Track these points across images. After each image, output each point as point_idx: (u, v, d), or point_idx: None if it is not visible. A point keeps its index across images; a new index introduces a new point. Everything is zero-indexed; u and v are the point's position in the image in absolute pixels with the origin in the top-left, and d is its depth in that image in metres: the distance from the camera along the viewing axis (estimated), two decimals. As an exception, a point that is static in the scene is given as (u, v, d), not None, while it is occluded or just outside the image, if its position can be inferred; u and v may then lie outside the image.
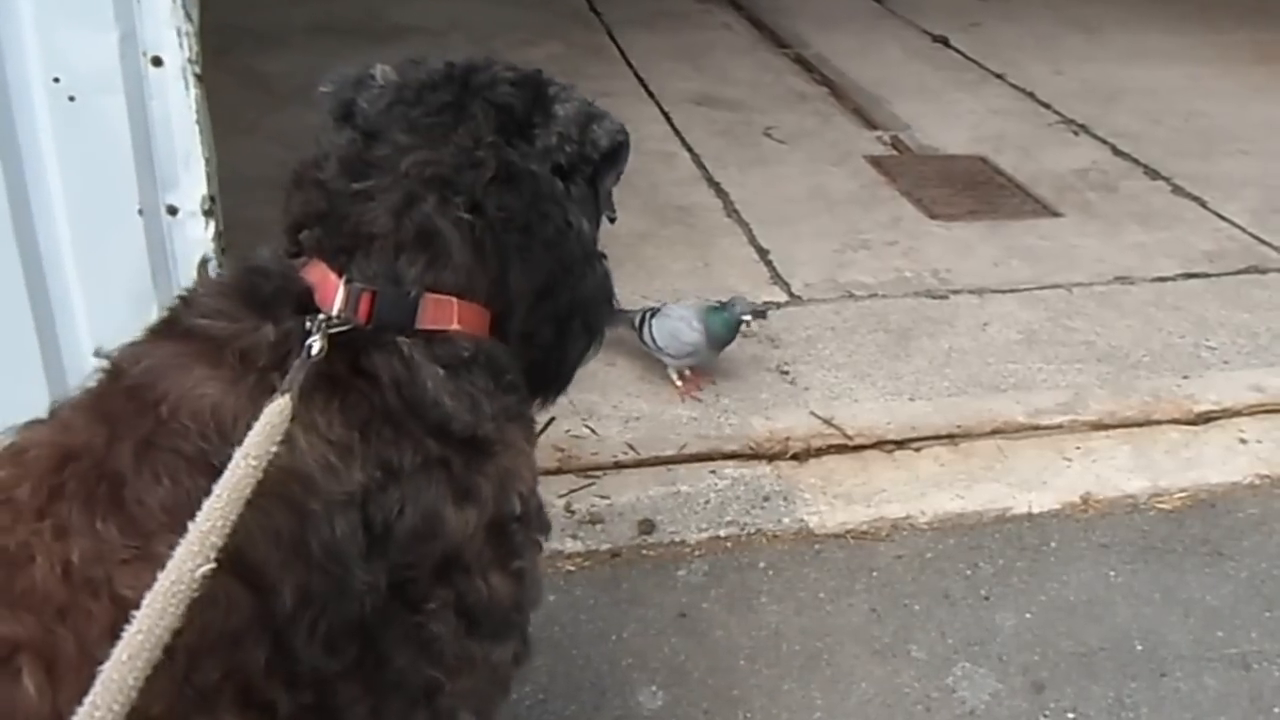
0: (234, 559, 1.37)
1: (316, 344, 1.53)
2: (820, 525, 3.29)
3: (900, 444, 3.63)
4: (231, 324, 1.58)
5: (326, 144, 1.79)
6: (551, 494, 3.26)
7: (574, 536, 3.17)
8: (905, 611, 3.03)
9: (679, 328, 3.73)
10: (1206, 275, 4.84)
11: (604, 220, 1.93)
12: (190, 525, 1.29)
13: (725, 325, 3.72)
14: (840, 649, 2.90)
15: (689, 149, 5.91)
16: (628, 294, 4.26)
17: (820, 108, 6.73)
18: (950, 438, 3.69)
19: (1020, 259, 4.91)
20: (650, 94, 6.71)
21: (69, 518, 1.38)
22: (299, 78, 6.43)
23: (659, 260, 4.62)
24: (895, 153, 6.10)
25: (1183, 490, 3.54)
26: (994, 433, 3.73)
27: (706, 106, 6.59)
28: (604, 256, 1.93)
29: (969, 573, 3.17)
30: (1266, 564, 3.26)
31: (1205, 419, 3.87)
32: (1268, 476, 3.63)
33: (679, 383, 3.81)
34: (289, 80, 6.43)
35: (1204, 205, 5.52)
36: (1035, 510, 3.42)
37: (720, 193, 5.40)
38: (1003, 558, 3.23)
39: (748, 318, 3.71)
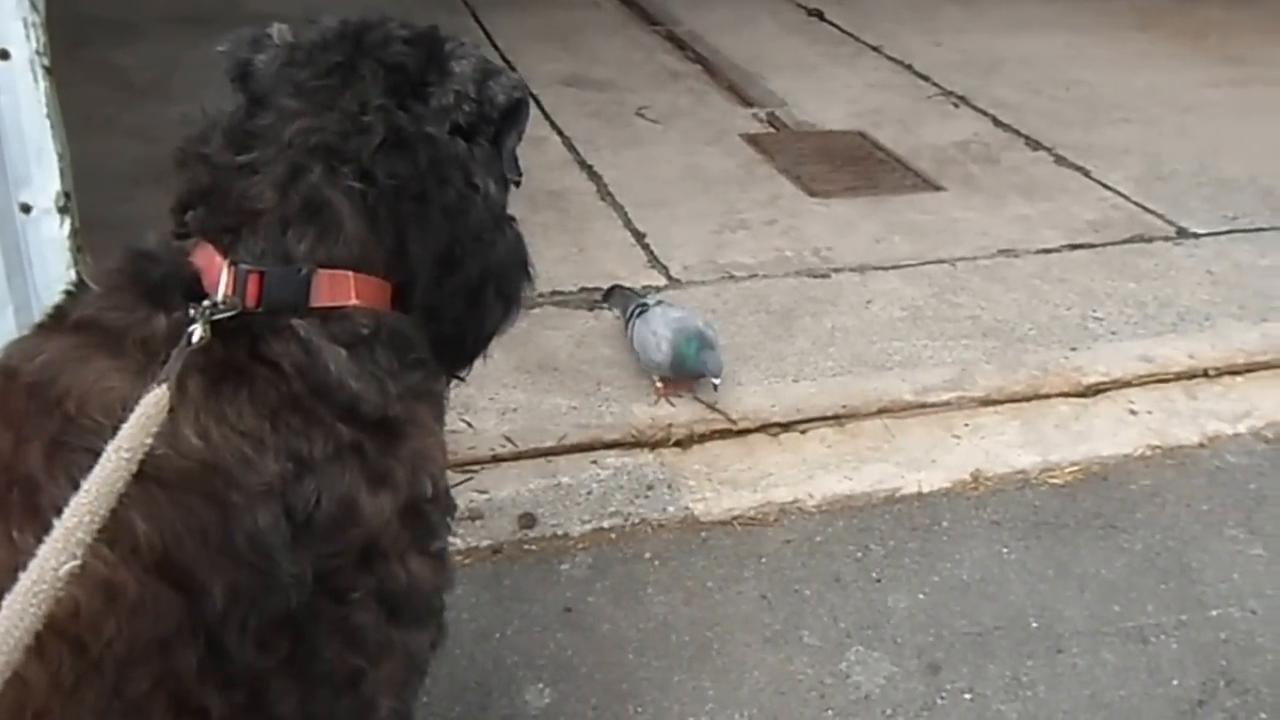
0: (161, 561, 1.40)
1: (197, 332, 1.50)
2: (706, 513, 3.34)
3: (786, 426, 3.70)
4: (125, 314, 1.56)
5: (214, 113, 1.77)
6: (426, 491, 3.28)
7: (453, 533, 3.17)
8: (796, 597, 3.08)
9: (649, 342, 3.72)
10: (1091, 246, 4.99)
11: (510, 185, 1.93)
12: (56, 522, 1.27)
13: (691, 368, 3.69)
14: (731, 638, 2.94)
15: (559, 132, 5.94)
16: (499, 283, 4.30)
17: (694, 86, 6.80)
18: (836, 419, 3.76)
19: (902, 235, 5.01)
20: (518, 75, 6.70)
21: None
22: (156, 70, 6.41)
23: (532, 247, 4.57)
24: (772, 130, 6.20)
25: (1074, 464, 3.64)
26: (881, 412, 3.81)
27: (576, 88, 6.63)
28: (513, 220, 1.92)
29: (860, 555, 3.24)
30: (1160, 536, 3.37)
31: (1094, 391, 3.99)
32: (1159, 447, 3.75)
33: (658, 384, 3.82)
34: (146, 73, 6.39)
35: (1087, 175, 5.69)
36: (925, 489, 3.50)
37: (593, 176, 5.44)
38: (893, 539, 3.30)
39: (716, 381, 3.68)
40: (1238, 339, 4.34)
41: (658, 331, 3.71)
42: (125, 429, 1.36)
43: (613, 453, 3.54)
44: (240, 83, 1.79)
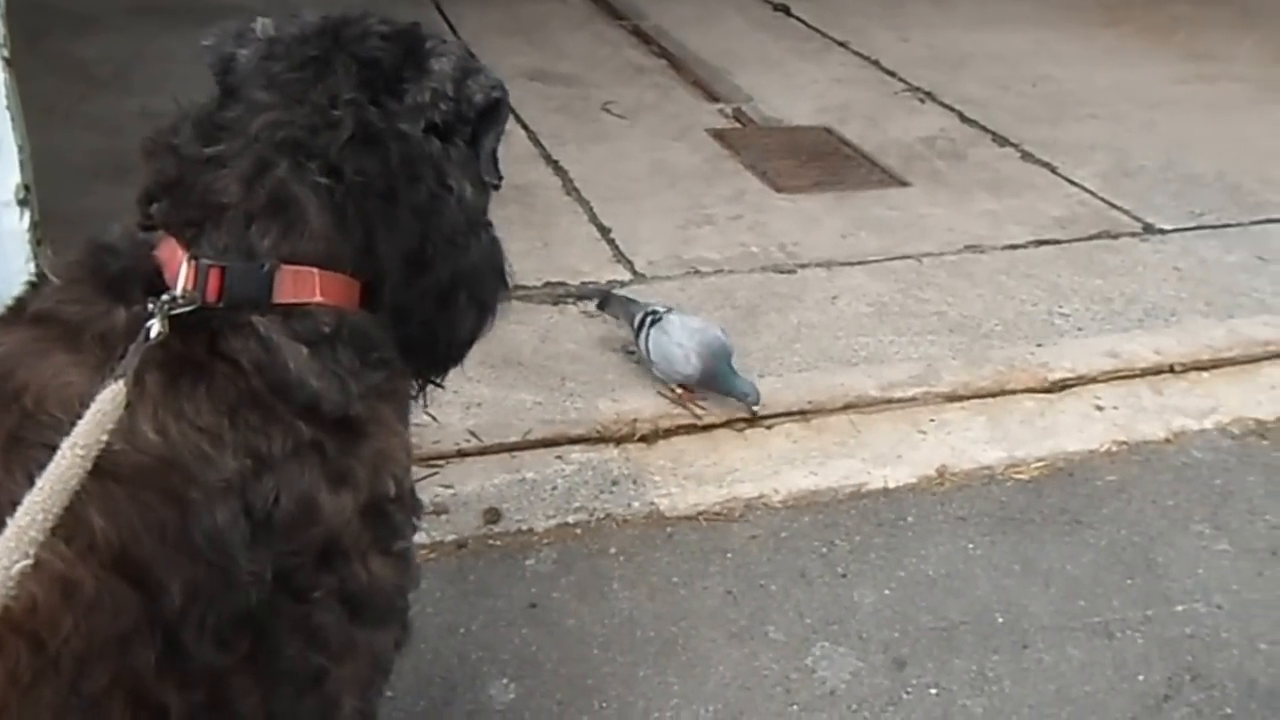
0: (119, 558, 1.39)
1: (155, 327, 1.49)
2: (671, 508, 3.36)
3: (751, 422, 3.71)
4: (85, 307, 1.56)
5: (185, 105, 1.77)
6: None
7: (419, 531, 3.18)
8: (761, 592, 3.10)
9: (674, 354, 3.70)
10: (1058, 242, 5.03)
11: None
12: (10, 520, 1.25)
13: (726, 389, 3.70)
14: (696, 633, 2.96)
15: (525, 126, 5.93)
16: (463, 278, 4.31)
17: (660, 81, 6.82)
18: (802, 414, 3.79)
19: (868, 230, 5.04)
20: (481, 70, 6.72)
21: None
22: (117, 62, 6.41)
23: (497, 242, 4.64)
24: (738, 125, 6.22)
25: (1040, 460, 3.68)
26: (846, 407, 3.83)
27: (542, 82, 6.64)
28: (490, 225, 1.91)
29: (825, 551, 3.26)
30: (1126, 531, 3.40)
31: (1060, 387, 4.03)
32: (1125, 443, 3.78)
33: (678, 390, 3.80)
34: (107, 65, 6.40)
35: (1054, 171, 5.73)
36: (891, 485, 3.52)
37: (559, 170, 5.45)
38: (859, 534, 3.32)
39: (757, 407, 3.69)
40: (1204, 335, 4.38)
41: (684, 344, 3.68)
42: (81, 425, 1.35)
43: (578, 448, 3.56)
44: (221, 77, 1.78)
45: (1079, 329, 4.37)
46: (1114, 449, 3.76)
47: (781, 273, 4.65)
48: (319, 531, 1.60)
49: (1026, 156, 5.90)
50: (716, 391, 3.75)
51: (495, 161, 1.91)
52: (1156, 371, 4.16)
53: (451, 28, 7.41)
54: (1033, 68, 7.27)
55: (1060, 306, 4.51)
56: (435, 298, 1.82)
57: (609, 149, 5.74)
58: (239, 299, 1.58)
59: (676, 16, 7.97)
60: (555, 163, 5.54)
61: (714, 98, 6.58)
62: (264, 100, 1.69)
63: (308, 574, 1.62)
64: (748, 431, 3.69)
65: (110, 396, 1.39)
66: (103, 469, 1.35)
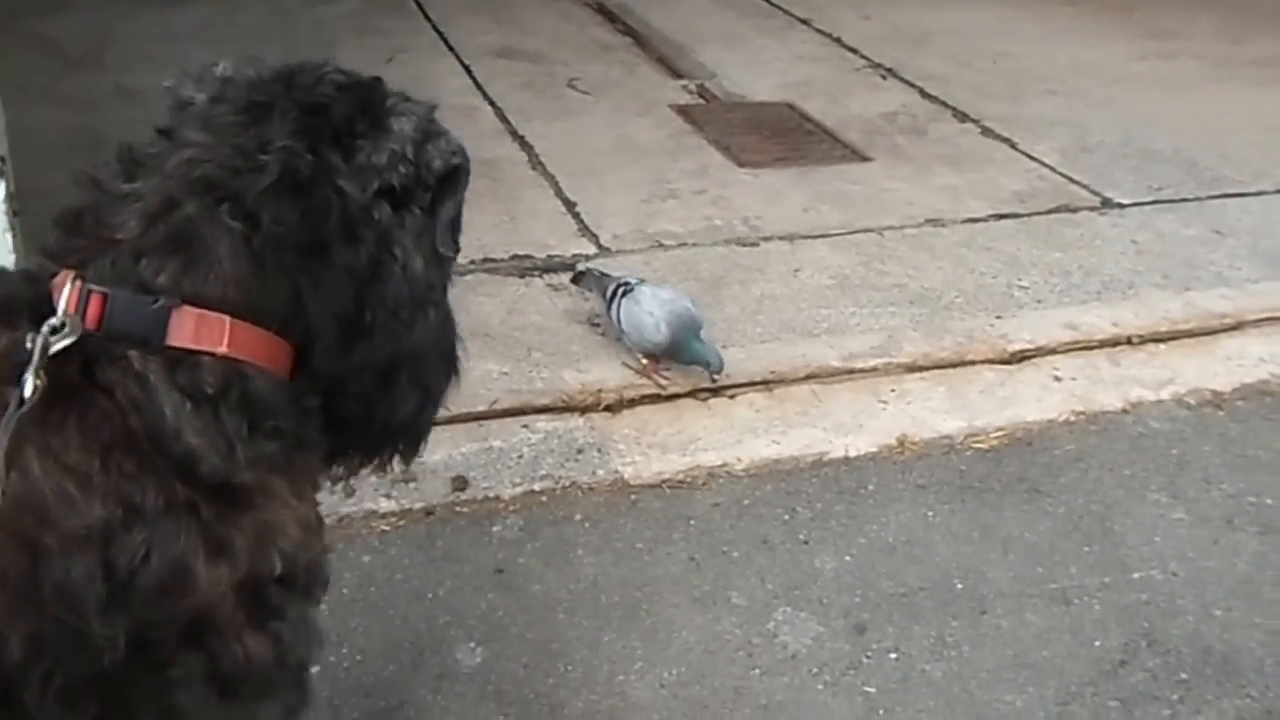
0: None
1: (29, 386, 1.37)
2: (636, 476, 3.37)
3: (715, 391, 3.73)
4: None
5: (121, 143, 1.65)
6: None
7: (387, 495, 3.20)
8: (724, 559, 3.12)
9: (644, 323, 3.71)
10: (1017, 215, 5.07)
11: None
12: None
13: (692, 358, 3.73)
14: (659, 598, 2.98)
15: (491, 102, 5.96)
16: (429, 249, 4.31)
17: (624, 58, 6.84)
18: (765, 384, 3.81)
19: (830, 204, 5.07)
20: (450, 47, 6.76)
21: None
22: (90, 41, 6.41)
23: (464, 215, 4.62)
24: (702, 101, 6.23)
25: (999, 429, 3.71)
26: (808, 378, 3.86)
27: (508, 59, 6.65)
28: (442, 303, 1.78)
29: (787, 518, 3.28)
30: (1083, 500, 3.44)
31: (1019, 358, 4.07)
32: (1082, 413, 3.82)
33: (643, 360, 3.82)
34: (80, 43, 6.40)
35: (1014, 146, 5.77)
36: (852, 453, 3.55)
37: (525, 146, 5.46)
38: (821, 502, 3.35)
39: (717, 377, 3.71)
40: (1161, 308, 4.42)
41: (654, 313, 3.70)
42: None
43: (543, 417, 3.57)
44: (173, 118, 1.68)
45: (1038, 301, 4.41)
46: (1072, 419, 3.80)
47: (744, 246, 4.66)
48: (189, 604, 1.44)
49: (986, 132, 5.93)
50: (682, 361, 3.77)
51: (454, 231, 1.78)
52: (1114, 343, 4.21)
53: (420, 6, 7.46)
54: (993, 45, 7.30)
55: (1019, 279, 4.54)
56: (373, 373, 1.69)
57: (574, 125, 5.74)
58: (122, 332, 1.45)
59: (641, -7, 7.98)
60: (521, 138, 5.54)
61: (678, 74, 6.59)
62: (192, 139, 1.58)
63: (169, 648, 1.45)
64: (711, 401, 3.71)
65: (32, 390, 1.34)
66: None
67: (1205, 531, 3.37)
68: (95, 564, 1.36)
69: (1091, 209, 5.17)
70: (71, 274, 1.46)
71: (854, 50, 7.08)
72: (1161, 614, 3.04)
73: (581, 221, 4.76)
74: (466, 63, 6.51)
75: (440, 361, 1.78)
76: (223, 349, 1.47)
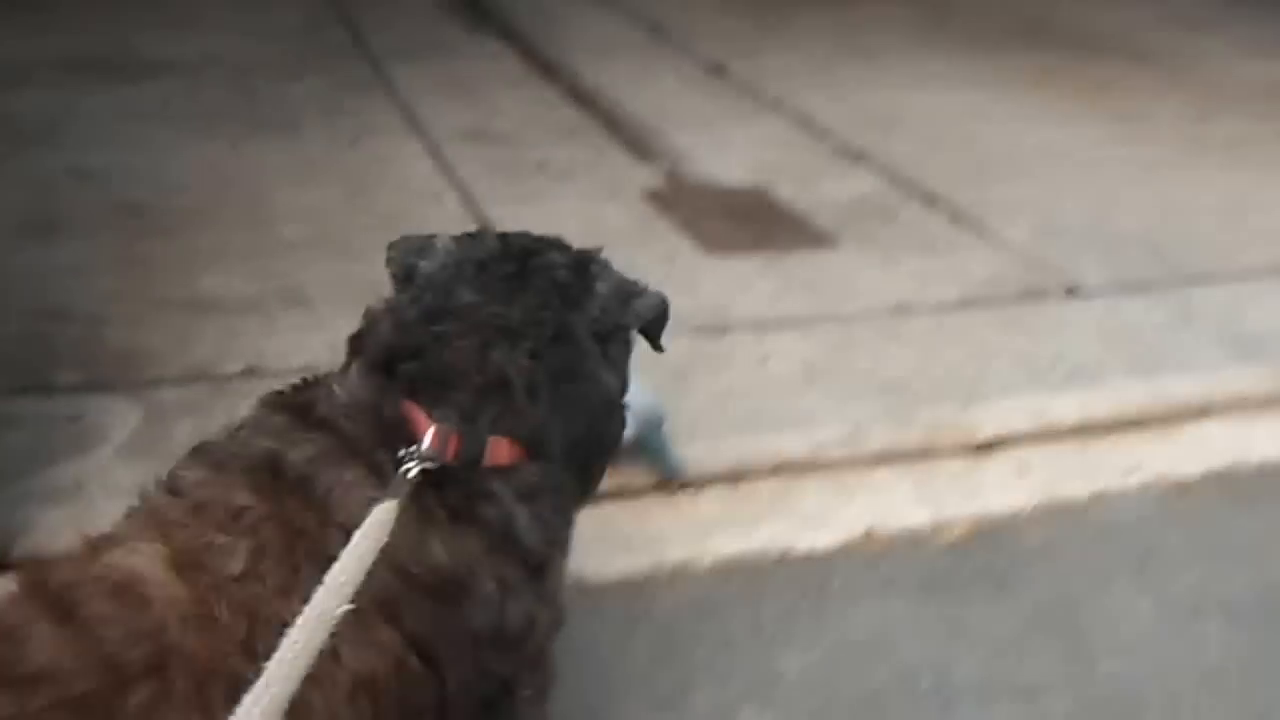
0: (423, 648, 1.84)
1: (414, 470, 1.88)
2: (597, 574, 3.34)
3: (680, 486, 3.73)
4: (365, 436, 1.96)
5: (397, 300, 2.20)
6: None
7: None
8: (686, 660, 3.10)
9: None
10: (986, 301, 5.10)
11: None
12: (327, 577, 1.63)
13: (649, 454, 3.74)
14: (620, 703, 2.96)
15: (458, 187, 5.95)
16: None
17: (595, 140, 6.85)
18: (731, 478, 3.80)
19: (799, 291, 5.08)
20: (417, 129, 6.74)
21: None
22: (47, 117, 6.39)
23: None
24: (672, 186, 6.25)
25: (966, 520, 3.71)
26: (775, 470, 3.85)
27: (477, 141, 6.64)
28: (626, 406, 2.42)
29: (752, 617, 3.27)
30: (1051, 592, 3.44)
31: (987, 447, 4.07)
32: (1050, 503, 3.83)
33: None
34: (36, 120, 6.36)
35: (982, 232, 5.80)
36: (818, 548, 3.54)
37: (492, 232, 5.42)
38: (786, 599, 3.34)
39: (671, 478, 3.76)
40: (1127, 394, 4.45)
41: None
42: (365, 527, 1.73)
43: (505, 515, 3.54)
44: (405, 280, 2.22)
45: (1005, 388, 4.42)
46: (1039, 509, 3.81)
47: (711, 334, 4.67)
48: (533, 643, 2.09)
49: (956, 216, 5.97)
50: (642, 459, 3.76)
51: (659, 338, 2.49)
52: (1081, 431, 4.23)
53: (386, 85, 7.46)
54: (964, 128, 7.37)
55: (987, 366, 4.56)
56: (577, 465, 2.27)
57: (543, 210, 5.72)
58: (466, 460, 1.99)
59: (612, 75, 8.02)
60: (489, 224, 5.50)
61: (648, 157, 6.62)
62: (477, 299, 2.13)
63: (523, 675, 2.13)
64: (676, 497, 3.70)
65: (384, 510, 1.76)
66: (409, 574, 1.84)
67: (1172, 622, 3.37)
68: (493, 619, 1.98)
69: (1059, 295, 5.20)
70: (426, 410, 2.01)
71: (825, 134, 7.12)
72: (1129, 708, 3.04)
73: (548, 311, 4.72)
74: (434, 145, 6.51)
75: (613, 450, 2.48)
76: (505, 463, 2.05)
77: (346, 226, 5.36)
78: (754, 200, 6.08)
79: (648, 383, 4.00)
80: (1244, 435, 4.35)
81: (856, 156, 6.77)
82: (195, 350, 4.26)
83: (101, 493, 3.47)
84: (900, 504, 3.76)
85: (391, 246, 2.30)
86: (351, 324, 4.45)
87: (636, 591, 3.34)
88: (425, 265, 2.20)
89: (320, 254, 5.08)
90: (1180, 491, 3.99)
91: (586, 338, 2.21)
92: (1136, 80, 8.69)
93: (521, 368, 2.08)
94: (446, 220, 5.48)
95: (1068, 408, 4.31)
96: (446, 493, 1.94)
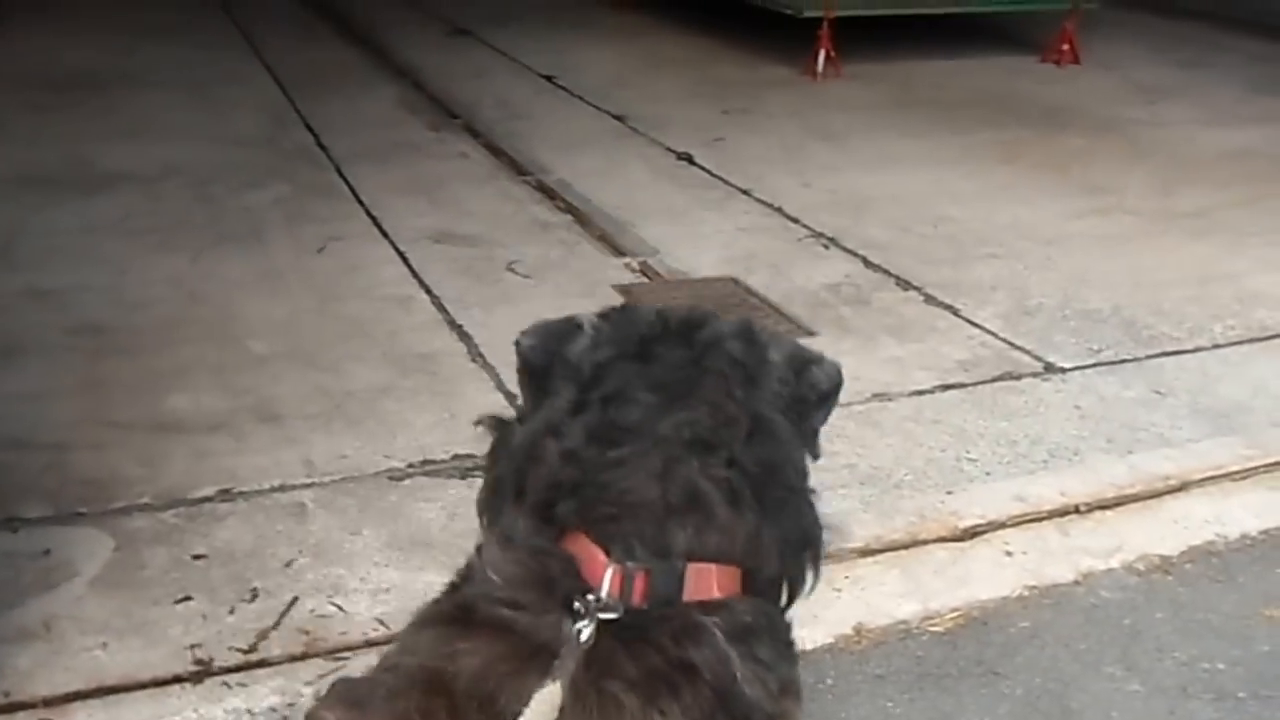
0: None
1: (586, 632, 1.58)
2: (593, 685, 3.36)
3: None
4: (535, 617, 1.63)
5: (554, 413, 1.84)
6: (298, 682, 3.28)
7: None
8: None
9: None
10: (963, 385, 5.17)
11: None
12: None
13: None
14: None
15: (428, 290, 5.96)
16: (368, 455, 4.34)
17: (565, 237, 6.90)
18: (718, 578, 3.82)
19: (776, 383, 5.11)
20: (384, 233, 6.75)
21: None
22: (0, 235, 6.34)
23: (401, 415, 4.68)
24: (645, 279, 6.32)
25: (954, 610, 3.76)
26: (761, 568, 3.87)
27: (445, 243, 6.67)
28: (814, 491, 2.00)
29: (744, 719, 3.28)
30: (1040, 679, 3.48)
31: (971, 534, 4.13)
32: (1035, 587, 3.89)
33: None
34: (-12, 239, 6.32)
35: (956, 313, 5.88)
36: (808, 646, 3.54)
37: (463, 336, 5.46)
38: (778, 699, 3.35)
39: None
40: (1106, 473, 4.52)
41: None
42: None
43: (492, 628, 3.54)
44: (543, 377, 1.91)
45: (987, 473, 4.48)
46: (1025, 594, 3.85)
47: (691, 433, 4.69)
48: None
49: (929, 300, 6.06)
50: None
51: (818, 436, 2.03)
52: (1063, 513, 4.29)
53: (352, 190, 7.46)
54: (933, 208, 7.47)
55: (968, 451, 4.62)
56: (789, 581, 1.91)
57: (515, 311, 5.73)
58: (659, 601, 1.66)
59: (580, 169, 8.08)
60: (460, 328, 5.54)
61: (620, 252, 6.68)
62: (655, 401, 1.78)
63: None
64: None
65: (546, 696, 1.51)
66: None
67: (1161, 703, 3.42)
68: None
69: (1035, 375, 5.28)
70: (601, 546, 1.68)
71: (796, 220, 7.20)
72: (1124, 794, 3.07)
73: (525, 416, 4.73)
74: (401, 249, 6.50)
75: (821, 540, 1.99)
76: (715, 594, 1.69)
77: (316, 337, 5.39)
78: (728, 291, 6.16)
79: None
80: (1221, 509, 4.42)
81: (828, 241, 6.86)
82: (165, 474, 4.25)
83: (74, 630, 3.47)
84: (888, 597, 3.80)
85: (526, 334, 1.99)
86: (327, 439, 4.46)
87: (625, 700, 3.35)
88: (575, 353, 1.89)
89: (290, 366, 5.09)
90: (1162, 569, 4.05)
91: (782, 422, 1.87)
92: (1101, 152, 8.84)
93: (717, 477, 1.74)
94: (417, 326, 5.53)
95: (1049, 489, 4.37)
96: (637, 650, 1.61)
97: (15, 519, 3.96)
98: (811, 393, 1.96)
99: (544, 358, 1.93)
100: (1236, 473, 4.62)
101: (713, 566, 1.70)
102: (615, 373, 1.83)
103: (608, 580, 1.65)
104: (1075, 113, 9.93)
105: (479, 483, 4.14)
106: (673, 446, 1.75)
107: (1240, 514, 4.41)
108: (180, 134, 8.49)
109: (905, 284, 6.27)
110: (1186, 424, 4.91)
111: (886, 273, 6.42)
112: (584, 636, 1.58)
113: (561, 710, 1.52)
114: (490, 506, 1.94)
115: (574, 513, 1.73)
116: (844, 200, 7.59)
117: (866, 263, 6.56)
